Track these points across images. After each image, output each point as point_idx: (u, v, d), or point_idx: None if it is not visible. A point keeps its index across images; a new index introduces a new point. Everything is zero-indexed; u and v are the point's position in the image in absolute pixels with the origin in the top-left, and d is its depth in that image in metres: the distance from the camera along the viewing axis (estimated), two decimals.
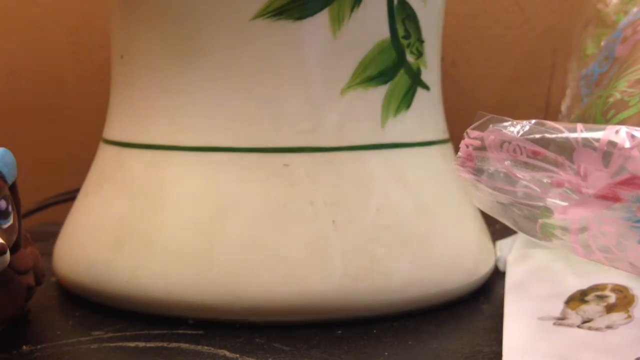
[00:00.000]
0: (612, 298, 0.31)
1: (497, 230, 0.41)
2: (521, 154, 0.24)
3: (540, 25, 0.56)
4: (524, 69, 0.56)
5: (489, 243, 0.38)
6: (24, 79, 0.60)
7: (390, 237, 0.33)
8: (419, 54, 0.36)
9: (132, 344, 0.30)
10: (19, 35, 0.59)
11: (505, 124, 0.24)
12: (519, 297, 0.33)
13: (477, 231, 0.37)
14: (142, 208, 0.34)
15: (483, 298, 0.36)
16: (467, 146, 0.25)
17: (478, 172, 0.25)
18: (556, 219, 0.24)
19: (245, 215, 0.32)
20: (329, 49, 0.33)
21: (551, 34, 0.55)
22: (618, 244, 0.24)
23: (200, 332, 0.31)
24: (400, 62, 0.35)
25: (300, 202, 0.32)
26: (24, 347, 0.30)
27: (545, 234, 0.25)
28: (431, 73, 0.37)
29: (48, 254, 0.38)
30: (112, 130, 0.37)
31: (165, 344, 0.30)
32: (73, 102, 0.59)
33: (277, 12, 0.32)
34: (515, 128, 0.24)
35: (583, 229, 0.24)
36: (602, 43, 0.41)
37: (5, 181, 0.30)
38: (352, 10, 0.33)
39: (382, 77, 0.34)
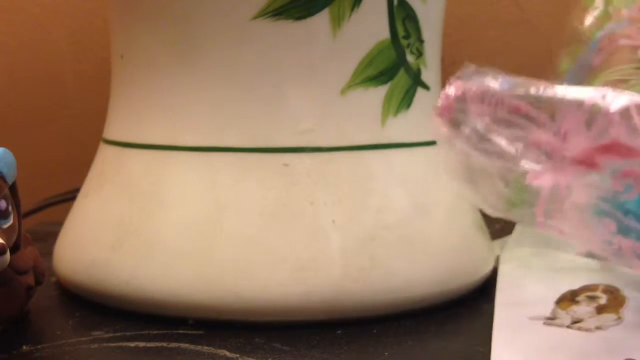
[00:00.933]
0: (603, 299, 0.31)
1: (497, 230, 0.41)
2: (502, 109, 0.23)
3: (540, 25, 0.55)
4: (523, 69, 0.56)
5: (489, 243, 0.38)
6: (24, 79, 0.60)
7: (390, 237, 0.33)
8: (419, 54, 0.36)
9: (132, 344, 0.30)
10: (19, 35, 0.59)
11: (490, 76, 0.24)
12: (510, 296, 0.33)
13: (477, 231, 0.37)
14: (142, 208, 0.34)
15: (483, 298, 0.36)
16: (448, 96, 0.24)
17: (455, 125, 0.24)
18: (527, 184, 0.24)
19: (245, 215, 0.32)
20: (329, 49, 0.33)
21: (551, 34, 0.55)
22: (580, 220, 0.23)
23: (200, 332, 0.31)
24: (400, 62, 0.35)
25: (300, 202, 0.32)
26: (24, 347, 0.30)
27: (509, 201, 0.24)
28: (431, 73, 0.37)
29: (48, 254, 0.38)
30: (112, 130, 0.37)
31: (165, 344, 0.30)
32: (73, 102, 0.59)
33: (277, 12, 0.32)
34: (499, 81, 0.23)
35: (552, 198, 0.24)
36: (577, 58, 0.41)
37: (5, 181, 0.30)
38: (352, 10, 0.33)
39: (382, 77, 0.34)
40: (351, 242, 0.32)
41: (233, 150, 0.33)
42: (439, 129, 0.24)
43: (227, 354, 0.29)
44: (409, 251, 0.33)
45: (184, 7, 0.33)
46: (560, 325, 0.29)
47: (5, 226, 0.30)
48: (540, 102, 0.23)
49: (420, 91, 0.36)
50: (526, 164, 0.23)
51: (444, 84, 0.39)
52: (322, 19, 0.33)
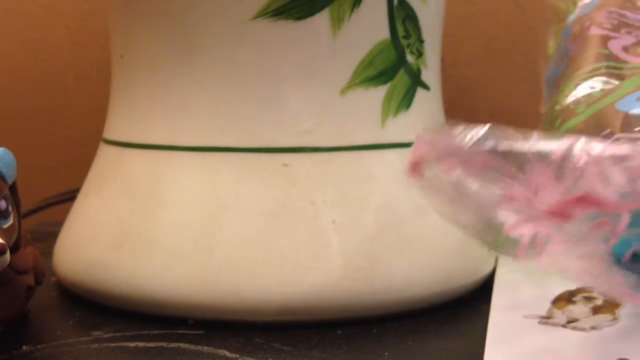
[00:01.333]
0: (600, 300, 0.31)
1: None
2: (471, 164, 0.23)
3: (540, 25, 0.55)
4: (523, 69, 0.56)
5: None
6: (24, 79, 0.60)
7: (390, 237, 0.33)
8: (419, 54, 0.36)
9: (132, 344, 0.30)
10: (19, 35, 0.59)
11: (458, 129, 0.23)
12: (506, 298, 0.33)
13: None
14: (142, 208, 0.34)
15: (483, 298, 0.36)
16: (415, 154, 0.24)
17: (427, 180, 0.24)
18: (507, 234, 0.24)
19: (245, 215, 0.32)
20: (329, 49, 0.33)
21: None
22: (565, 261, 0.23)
23: (200, 332, 0.31)
24: (400, 62, 0.35)
25: (300, 202, 0.32)
26: (24, 347, 0.30)
27: (492, 244, 0.24)
28: (431, 73, 0.37)
29: (48, 254, 0.38)
30: (112, 130, 0.37)
31: (165, 344, 0.30)
32: (73, 102, 0.59)
33: (277, 12, 0.32)
34: (468, 136, 0.23)
35: (532, 244, 0.24)
36: (559, 40, 0.39)
37: (5, 181, 0.30)
38: (352, 11, 0.33)
39: (382, 77, 0.34)
40: (351, 242, 0.32)
41: (233, 150, 0.33)
42: (413, 182, 0.24)
43: (227, 354, 0.29)
44: (409, 251, 0.33)
45: (184, 7, 0.33)
46: (555, 325, 0.29)
47: (5, 226, 0.30)
48: (510, 157, 0.23)
49: (420, 91, 0.36)
50: (503, 216, 0.23)
51: (444, 84, 0.39)
52: (322, 19, 0.33)
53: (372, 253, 0.32)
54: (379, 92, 0.34)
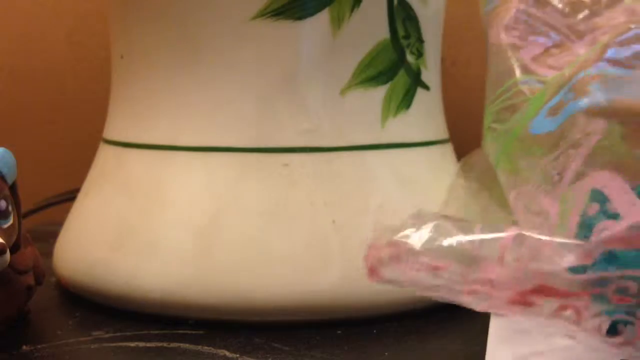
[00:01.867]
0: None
1: None
2: (426, 264, 0.23)
3: None
4: None
5: None
6: (24, 79, 0.60)
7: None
8: (419, 54, 0.36)
9: (132, 344, 0.30)
10: (19, 36, 0.59)
11: (405, 232, 0.23)
12: None
13: None
14: (142, 208, 0.34)
15: None
16: (371, 259, 0.24)
17: (389, 280, 0.24)
18: None
19: (245, 215, 0.32)
20: (329, 49, 0.33)
21: None
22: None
23: (200, 332, 0.31)
24: (400, 62, 0.35)
25: (300, 202, 0.32)
26: (24, 347, 0.30)
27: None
28: (431, 73, 0.37)
29: (48, 254, 0.38)
30: (112, 130, 0.37)
31: (165, 344, 0.30)
32: (73, 102, 0.59)
33: (277, 12, 0.32)
34: (415, 237, 0.23)
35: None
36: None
37: (5, 181, 0.30)
38: (352, 10, 0.33)
39: (382, 77, 0.34)
40: (351, 242, 0.32)
41: (233, 150, 0.33)
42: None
43: (227, 354, 0.29)
44: None
45: (184, 7, 0.33)
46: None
47: (5, 226, 0.30)
48: (460, 253, 0.23)
49: (420, 91, 0.36)
50: (470, 304, 0.24)
51: (444, 84, 0.39)
52: (322, 19, 0.33)
53: None
54: (379, 92, 0.34)
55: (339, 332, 0.32)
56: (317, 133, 0.33)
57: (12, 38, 0.59)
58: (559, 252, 0.22)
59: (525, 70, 0.31)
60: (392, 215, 0.33)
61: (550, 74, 0.31)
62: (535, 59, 0.32)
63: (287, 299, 0.31)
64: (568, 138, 0.26)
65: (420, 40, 0.36)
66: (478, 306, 0.24)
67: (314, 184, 0.33)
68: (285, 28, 0.32)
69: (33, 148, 0.59)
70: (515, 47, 0.32)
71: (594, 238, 0.23)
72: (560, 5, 0.33)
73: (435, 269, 0.23)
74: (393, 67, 0.34)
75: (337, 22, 0.33)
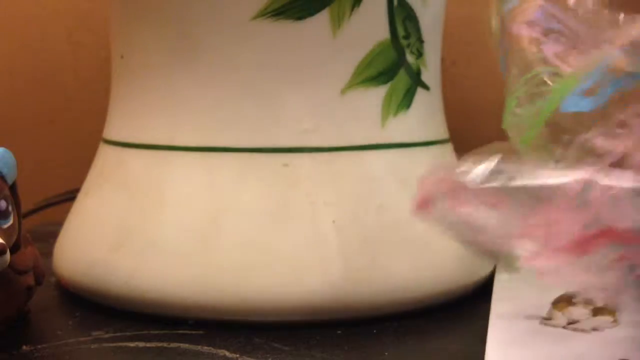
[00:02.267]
0: (600, 301, 0.31)
1: None
2: (483, 202, 0.22)
3: None
4: None
5: None
6: (24, 79, 0.60)
7: (390, 237, 0.33)
8: (419, 54, 0.36)
9: (132, 344, 0.30)
10: (19, 35, 0.59)
11: (464, 169, 0.23)
12: (506, 296, 0.32)
13: None
14: (142, 208, 0.34)
15: (483, 298, 0.36)
16: (424, 191, 0.24)
17: (436, 217, 0.24)
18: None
19: (245, 215, 0.32)
20: (329, 49, 0.33)
21: None
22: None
23: (200, 332, 0.31)
24: (400, 62, 0.35)
25: (300, 202, 0.32)
26: (24, 347, 0.30)
27: (507, 266, 0.24)
28: (431, 73, 0.37)
29: (48, 254, 0.38)
30: (112, 130, 0.37)
31: (165, 344, 0.30)
32: (73, 102, 0.59)
33: (277, 12, 0.32)
34: (474, 174, 0.22)
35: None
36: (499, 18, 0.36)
37: (5, 181, 0.30)
38: (352, 10, 0.33)
39: (382, 77, 0.34)
40: (351, 242, 0.32)
41: (233, 150, 0.33)
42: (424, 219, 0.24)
43: (227, 354, 0.29)
44: (409, 251, 0.33)
45: (184, 7, 0.33)
46: (556, 326, 0.29)
47: (5, 226, 0.30)
48: (522, 192, 0.22)
49: (420, 91, 0.36)
50: (517, 249, 0.23)
51: (444, 84, 0.39)
52: (322, 19, 0.33)
53: (372, 253, 0.32)
54: (379, 92, 0.34)
55: (339, 332, 0.32)
56: (317, 133, 0.33)
57: (13, 38, 0.59)
58: (631, 199, 0.22)
59: (547, 62, 0.31)
60: (392, 215, 0.33)
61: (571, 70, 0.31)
62: (557, 55, 0.32)
63: (287, 299, 0.31)
64: (614, 117, 0.26)
65: (420, 40, 0.36)
66: (524, 253, 0.23)
67: (314, 184, 0.33)
68: (285, 28, 0.32)
69: (33, 148, 0.59)
70: (538, 41, 0.32)
71: None
72: (580, 12, 0.34)
73: (493, 205, 0.22)
74: (393, 67, 0.34)
75: (337, 22, 0.33)
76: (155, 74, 0.34)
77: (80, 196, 0.38)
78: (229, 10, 0.33)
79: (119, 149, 0.36)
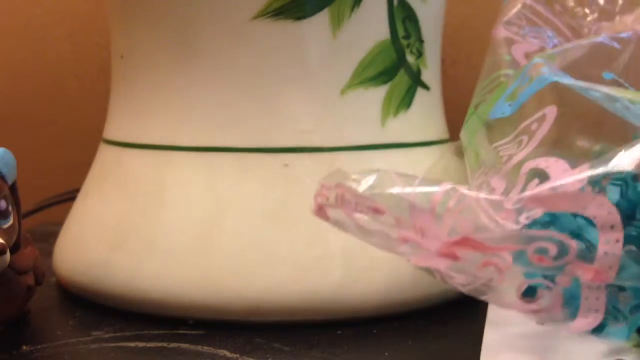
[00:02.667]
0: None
1: None
2: (366, 208, 0.24)
3: None
4: None
5: None
6: (24, 79, 0.60)
7: None
8: (419, 54, 0.36)
9: (132, 344, 0.30)
10: (19, 36, 0.59)
11: (354, 176, 0.24)
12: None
13: None
14: (142, 208, 0.34)
15: None
16: (319, 197, 0.25)
17: (333, 221, 0.25)
18: None
19: (245, 215, 0.32)
20: (329, 49, 0.33)
21: None
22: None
23: (200, 332, 0.31)
24: (400, 62, 0.35)
25: (301, 202, 0.32)
26: (24, 347, 0.30)
27: None
28: (431, 73, 0.37)
29: (48, 254, 0.38)
30: (112, 130, 0.37)
31: (165, 344, 0.30)
32: (73, 102, 0.59)
33: (277, 12, 0.32)
34: (360, 183, 0.24)
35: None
36: None
37: (5, 181, 0.30)
38: (352, 10, 0.33)
39: (382, 77, 0.34)
40: (351, 242, 0.32)
41: (233, 150, 0.33)
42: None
43: (227, 354, 0.29)
44: None
45: (184, 7, 0.33)
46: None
47: (5, 226, 0.30)
48: (396, 201, 0.24)
49: (420, 91, 0.36)
50: (403, 252, 0.25)
51: (444, 84, 0.39)
52: (322, 19, 0.33)
53: (372, 253, 0.32)
54: (379, 92, 0.34)
55: (339, 332, 0.32)
56: (317, 133, 0.33)
57: (13, 38, 0.59)
58: (485, 206, 0.23)
59: (514, 64, 0.32)
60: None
61: None
62: (528, 55, 0.32)
63: (287, 299, 0.31)
64: (521, 125, 0.27)
65: (420, 40, 0.36)
66: (411, 257, 0.25)
67: (314, 184, 0.33)
68: (285, 28, 0.32)
69: (33, 148, 0.59)
70: (510, 42, 0.32)
71: (515, 195, 0.23)
72: (572, 4, 0.34)
73: (374, 212, 0.24)
74: (393, 67, 0.34)
75: (337, 22, 0.33)
76: (155, 74, 0.34)
77: (80, 196, 0.38)
78: (228, 11, 0.33)
79: (119, 149, 0.36)
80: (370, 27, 0.34)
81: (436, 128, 0.37)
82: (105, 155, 0.37)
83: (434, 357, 0.29)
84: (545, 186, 0.23)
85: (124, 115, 0.36)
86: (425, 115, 0.36)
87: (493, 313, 0.31)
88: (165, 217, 0.33)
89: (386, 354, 0.29)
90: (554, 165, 0.24)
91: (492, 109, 0.29)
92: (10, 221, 0.30)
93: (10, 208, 0.30)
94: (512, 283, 0.25)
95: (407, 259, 0.25)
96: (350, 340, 0.31)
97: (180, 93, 0.34)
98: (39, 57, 0.59)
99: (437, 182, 0.24)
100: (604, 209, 0.23)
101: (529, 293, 0.26)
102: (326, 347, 0.30)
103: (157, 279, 0.32)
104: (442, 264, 0.24)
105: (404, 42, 0.35)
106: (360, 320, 0.32)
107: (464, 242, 0.23)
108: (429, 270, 0.26)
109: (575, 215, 0.25)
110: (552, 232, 0.24)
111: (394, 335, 0.31)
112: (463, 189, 0.23)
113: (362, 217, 0.24)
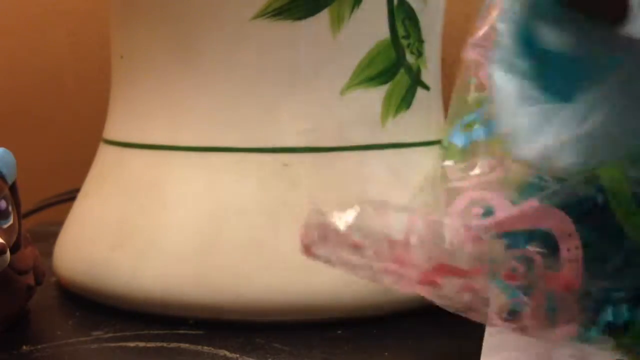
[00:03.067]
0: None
1: None
2: (344, 246, 0.25)
3: None
4: None
5: None
6: (23, 79, 0.60)
7: None
8: (419, 54, 0.36)
9: (132, 344, 0.30)
10: (19, 35, 0.59)
11: (334, 213, 0.25)
12: None
13: None
14: (142, 208, 0.34)
15: None
16: (305, 238, 0.25)
17: (321, 258, 0.25)
18: None
19: (245, 215, 0.32)
20: (329, 49, 0.33)
21: None
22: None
23: (200, 332, 0.31)
24: (400, 62, 0.35)
25: (300, 202, 0.32)
26: (24, 347, 0.30)
27: None
28: (431, 73, 0.37)
29: (48, 254, 0.38)
30: (112, 130, 0.37)
31: (165, 344, 0.30)
32: (73, 102, 0.59)
33: (277, 12, 0.32)
34: (341, 220, 0.25)
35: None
36: None
37: (5, 181, 0.30)
38: (352, 11, 0.33)
39: (382, 77, 0.34)
40: None
41: (233, 150, 0.33)
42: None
43: (227, 354, 0.29)
44: None
45: (184, 7, 0.33)
46: None
47: (5, 226, 0.30)
48: (374, 235, 0.25)
49: (420, 91, 0.36)
50: (390, 283, 0.25)
51: (444, 84, 0.39)
52: (322, 19, 0.33)
53: None
54: (378, 92, 0.34)
55: (339, 332, 0.32)
56: (317, 133, 0.33)
57: (13, 38, 0.59)
58: (454, 232, 0.24)
59: (480, 88, 0.32)
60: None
61: None
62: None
63: (287, 299, 0.31)
64: (472, 161, 0.28)
65: (420, 40, 0.36)
66: (396, 286, 0.25)
67: (314, 184, 0.33)
68: (285, 28, 0.32)
69: (33, 148, 0.59)
70: (478, 65, 0.33)
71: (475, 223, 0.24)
72: None
73: (355, 247, 0.24)
74: (393, 67, 0.34)
75: (337, 22, 0.33)
76: (155, 74, 0.34)
77: (81, 196, 0.38)
78: (228, 11, 0.33)
79: (119, 149, 0.36)
80: (370, 27, 0.34)
81: (436, 128, 0.37)
82: (106, 155, 0.37)
83: (434, 357, 0.29)
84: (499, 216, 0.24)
85: (124, 115, 0.36)
86: (425, 115, 0.36)
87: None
88: (165, 217, 0.33)
89: (386, 354, 0.29)
90: (495, 198, 0.25)
91: (451, 130, 0.30)
92: (10, 221, 0.30)
93: (10, 208, 0.30)
94: (495, 303, 0.25)
95: (397, 288, 0.25)
96: (350, 340, 0.31)
97: (180, 93, 0.34)
98: (39, 57, 0.59)
99: (409, 210, 0.25)
100: (556, 219, 0.24)
101: (514, 311, 0.26)
102: (326, 347, 0.30)
103: (157, 278, 0.32)
104: (425, 291, 0.25)
105: (404, 42, 0.35)
106: (360, 320, 0.32)
107: (441, 268, 0.24)
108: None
109: (531, 231, 0.25)
110: (515, 251, 0.24)
111: (394, 335, 0.31)
112: (431, 217, 0.24)
113: (346, 253, 0.25)
